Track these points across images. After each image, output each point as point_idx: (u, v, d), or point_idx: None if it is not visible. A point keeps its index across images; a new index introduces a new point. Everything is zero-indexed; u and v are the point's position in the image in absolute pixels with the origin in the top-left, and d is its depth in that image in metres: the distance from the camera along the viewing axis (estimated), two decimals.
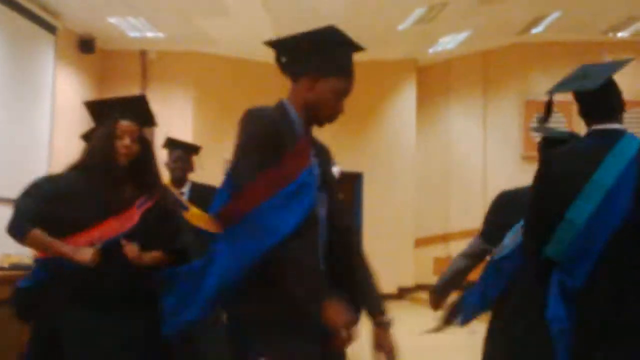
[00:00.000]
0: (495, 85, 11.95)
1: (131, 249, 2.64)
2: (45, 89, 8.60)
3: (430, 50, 11.70)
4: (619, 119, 2.33)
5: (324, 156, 2.17)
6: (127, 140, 2.70)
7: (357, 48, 2.14)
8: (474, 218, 12.38)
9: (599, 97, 2.31)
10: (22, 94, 8.10)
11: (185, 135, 9.19)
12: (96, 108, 2.88)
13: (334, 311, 1.86)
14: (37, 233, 2.58)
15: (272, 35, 10.00)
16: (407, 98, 12.08)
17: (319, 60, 2.05)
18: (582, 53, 11.48)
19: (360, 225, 11.55)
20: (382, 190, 11.71)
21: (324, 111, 2.08)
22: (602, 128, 2.30)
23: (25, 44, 8.20)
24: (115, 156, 2.69)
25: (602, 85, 2.29)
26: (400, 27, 10.04)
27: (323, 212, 2.07)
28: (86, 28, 9.42)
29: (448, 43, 11.37)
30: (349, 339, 1.88)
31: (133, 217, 2.68)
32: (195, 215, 3.98)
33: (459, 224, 11.87)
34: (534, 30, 10.92)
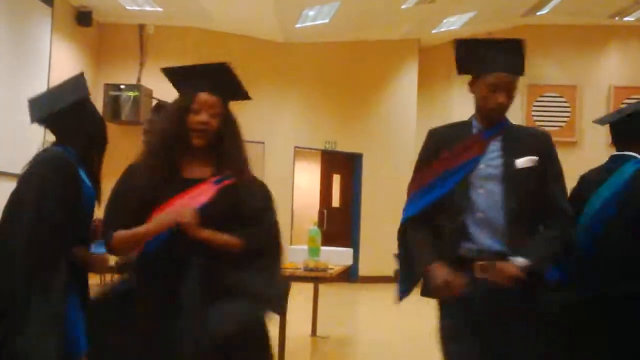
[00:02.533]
0: None
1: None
2: (42, 62, 8.47)
3: (434, 31, 11.54)
4: (636, 149, 2.88)
5: (514, 149, 2.54)
6: (204, 116, 2.40)
7: None
8: None
9: (623, 129, 2.94)
10: (18, 67, 7.97)
11: None
12: (176, 76, 2.65)
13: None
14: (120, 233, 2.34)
15: (272, 12, 9.83)
16: (408, 79, 11.95)
17: None
18: (587, 37, 11.34)
19: (359, 206, 11.49)
20: (381, 171, 11.61)
21: None
22: (619, 154, 2.90)
23: (21, 16, 8.04)
24: (189, 134, 2.40)
25: (626, 120, 2.94)
26: (404, 6, 9.87)
27: (482, 197, 2.49)
28: (83, 0, 9.26)
29: (452, 24, 11.21)
30: None
31: (207, 191, 2.39)
32: None
33: None
34: (539, 13, 10.75)
